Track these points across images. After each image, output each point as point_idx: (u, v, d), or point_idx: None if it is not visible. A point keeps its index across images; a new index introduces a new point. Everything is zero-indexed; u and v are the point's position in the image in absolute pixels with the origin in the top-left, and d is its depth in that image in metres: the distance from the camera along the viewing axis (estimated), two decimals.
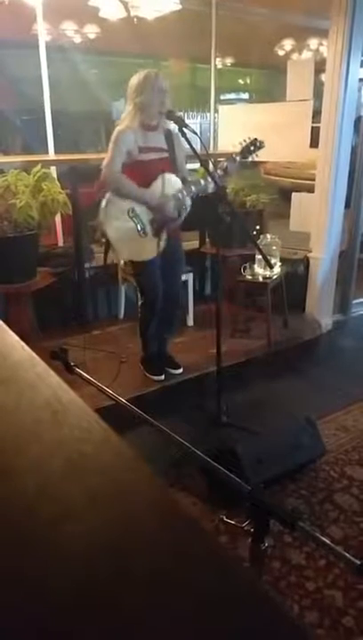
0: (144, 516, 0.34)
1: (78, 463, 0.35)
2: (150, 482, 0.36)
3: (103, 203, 2.33)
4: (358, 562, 0.86)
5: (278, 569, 1.71)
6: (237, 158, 2.43)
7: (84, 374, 1.16)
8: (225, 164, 2.42)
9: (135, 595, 0.26)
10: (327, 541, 0.91)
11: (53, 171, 3.21)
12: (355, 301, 3.78)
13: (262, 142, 2.43)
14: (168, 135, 2.42)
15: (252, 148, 2.42)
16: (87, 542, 0.30)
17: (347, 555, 0.88)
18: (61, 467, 0.35)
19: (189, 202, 2.40)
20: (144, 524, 0.33)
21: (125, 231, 2.36)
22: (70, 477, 0.34)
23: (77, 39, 5.03)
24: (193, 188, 2.37)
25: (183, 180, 2.41)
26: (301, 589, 1.65)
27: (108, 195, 2.33)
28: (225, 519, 1.60)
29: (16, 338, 0.53)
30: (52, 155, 3.52)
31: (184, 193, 2.35)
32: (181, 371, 2.75)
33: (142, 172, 2.35)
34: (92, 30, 4.87)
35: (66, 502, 0.32)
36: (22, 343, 0.53)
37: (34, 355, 0.50)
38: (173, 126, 2.35)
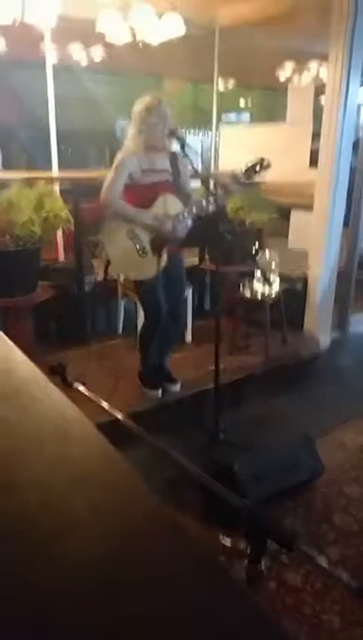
0: (143, 531, 0.34)
1: (80, 478, 0.36)
2: (149, 498, 0.37)
3: (104, 224, 2.36)
4: (356, 584, 0.85)
5: (274, 590, 1.69)
6: (242, 179, 2.40)
7: (82, 389, 1.16)
8: (230, 184, 2.40)
9: (134, 606, 0.27)
10: (324, 564, 0.90)
11: (56, 186, 3.26)
12: (353, 319, 3.80)
13: (268, 162, 2.38)
14: (173, 157, 2.47)
15: (257, 168, 2.39)
16: (88, 556, 0.31)
17: (345, 577, 0.87)
18: (64, 481, 0.36)
19: (190, 222, 2.42)
20: (143, 539, 0.33)
21: (125, 251, 2.38)
22: (72, 492, 0.35)
23: (84, 61, 5.14)
24: (194, 209, 2.39)
25: (186, 202, 2.43)
26: (297, 612, 1.62)
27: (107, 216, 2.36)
28: (221, 539, 1.58)
29: (20, 353, 0.54)
30: (55, 172, 3.57)
31: (186, 214, 2.38)
32: (179, 387, 2.74)
33: (144, 194, 2.39)
34: (98, 53, 4.97)
35: (68, 516, 0.33)
36: (26, 358, 0.53)
37: (37, 370, 0.50)
38: (177, 149, 2.38)
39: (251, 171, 2.38)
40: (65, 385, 1.15)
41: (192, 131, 6.64)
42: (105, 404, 1.15)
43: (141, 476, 0.39)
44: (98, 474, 0.39)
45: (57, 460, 0.39)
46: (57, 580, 0.29)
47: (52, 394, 0.48)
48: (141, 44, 3.55)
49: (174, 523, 0.36)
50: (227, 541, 1.81)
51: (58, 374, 1.17)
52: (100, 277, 3.23)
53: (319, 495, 2.16)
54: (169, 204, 2.40)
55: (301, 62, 5.64)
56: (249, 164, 2.39)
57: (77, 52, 4.91)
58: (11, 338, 0.63)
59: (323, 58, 3.75)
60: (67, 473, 0.38)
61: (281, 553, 1.76)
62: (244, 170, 2.39)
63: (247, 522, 0.89)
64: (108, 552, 0.32)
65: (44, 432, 0.43)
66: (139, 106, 2.36)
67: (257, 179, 2.42)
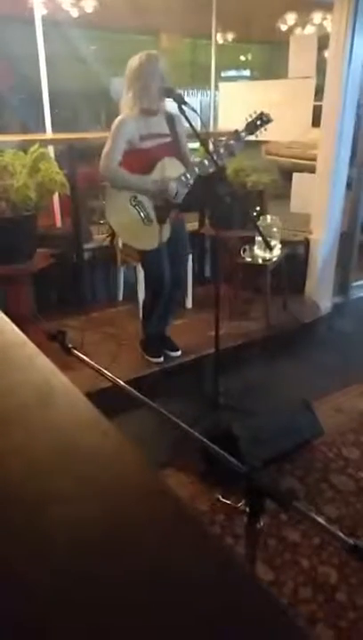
0: (133, 503, 0.33)
1: (66, 448, 0.35)
2: (140, 467, 0.36)
3: (105, 191, 2.30)
4: (352, 541, 0.87)
5: (273, 546, 1.75)
6: (243, 135, 2.33)
7: (82, 356, 1.15)
8: (231, 141, 2.33)
9: (120, 588, 0.26)
10: (322, 521, 0.92)
11: (51, 150, 3.16)
12: (355, 284, 3.77)
13: (268, 116, 2.30)
14: (169, 119, 2.38)
15: (258, 122, 2.31)
16: (73, 531, 0.29)
17: (341, 534, 0.89)
18: (48, 452, 0.35)
19: (189, 184, 2.36)
20: (133, 512, 0.32)
21: (129, 220, 2.33)
22: (57, 463, 0.34)
23: (75, 13, 4.88)
24: (196, 170, 2.32)
25: (186, 164, 2.37)
26: (295, 566, 1.68)
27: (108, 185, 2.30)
28: (221, 499, 1.62)
29: (6, 319, 0.53)
30: (49, 134, 3.46)
31: (188, 176, 2.31)
32: (179, 353, 2.75)
33: (143, 159, 2.31)
34: (89, 4, 4.72)
35: (52, 489, 0.32)
36: (13, 325, 0.52)
37: (24, 337, 0.49)
38: (173, 109, 2.29)
39: (252, 126, 2.32)
40: (65, 352, 1.15)
41: (190, 89, 6.37)
42: (105, 371, 1.15)
43: (142, 440, 0.38)
44: (85, 445, 0.38)
45: (42, 431, 0.39)
46: (38, 557, 0.28)
47: (40, 361, 0.47)
48: None
49: (166, 493, 0.35)
50: (226, 501, 1.86)
51: (57, 341, 1.17)
52: (104, 243, 3.16)
53: (318, 457, 2.20)
54: (169, 168, 2.34)
55: (303, 13, 5.34)
56: (249, 119, 2.32)
57: (68, 5, 4.65)
58: (10, 306, 0.61)
59: (327, 8, 3.54)
60: (51, 444, 0.37)
61: (280, 512, 1.81)
62: (244, 126, 2.33)
63: (246, 482, 0.91)
64: (94, 528, 0.31)
65: (29, 401, 0.42)
66: (132, 63, 2.25)
67: (259, 134, 2.34)
